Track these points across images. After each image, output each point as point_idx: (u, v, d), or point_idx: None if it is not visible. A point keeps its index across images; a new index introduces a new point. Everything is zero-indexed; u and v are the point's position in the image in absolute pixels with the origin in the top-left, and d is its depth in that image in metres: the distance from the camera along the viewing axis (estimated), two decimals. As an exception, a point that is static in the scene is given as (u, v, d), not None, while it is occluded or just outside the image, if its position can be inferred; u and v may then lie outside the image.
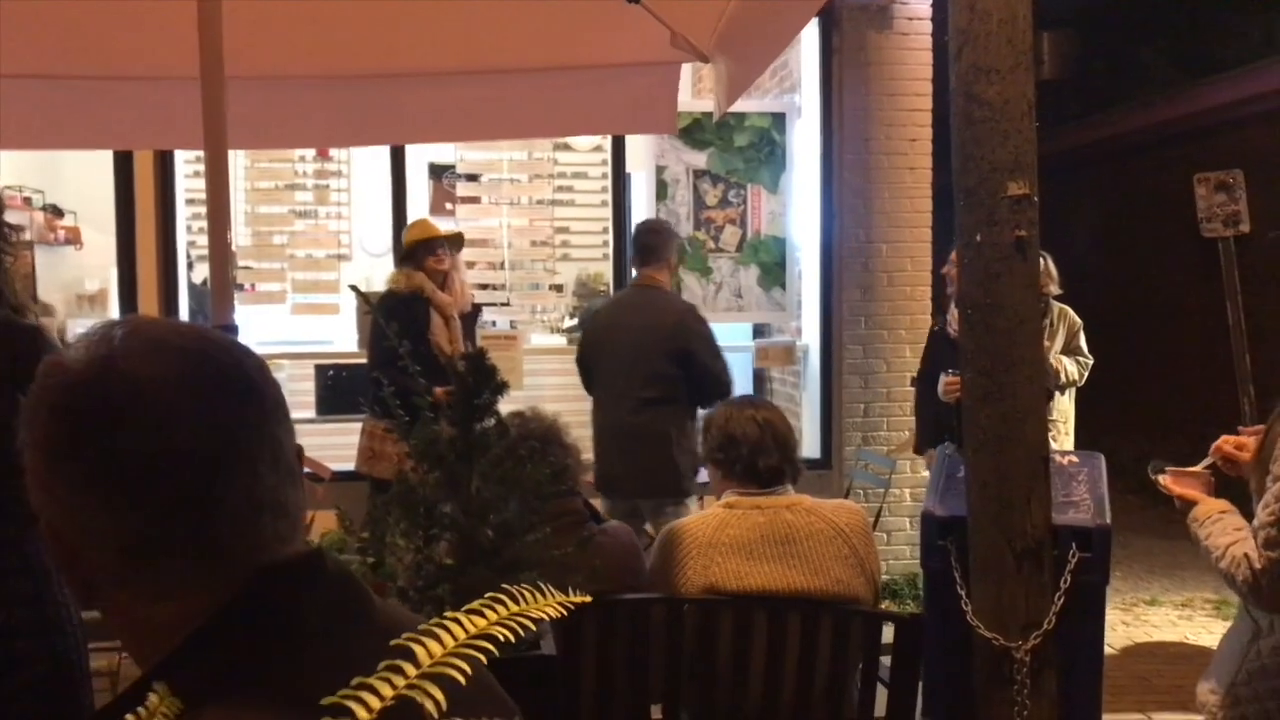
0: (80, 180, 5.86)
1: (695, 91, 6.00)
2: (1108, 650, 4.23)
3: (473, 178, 5.99)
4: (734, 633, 2.43)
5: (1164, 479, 2.31)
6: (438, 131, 3.85)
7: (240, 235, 5.96)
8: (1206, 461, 2.31)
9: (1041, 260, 3.22)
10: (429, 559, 1.83)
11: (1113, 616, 5.23)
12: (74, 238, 6.38)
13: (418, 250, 4.68)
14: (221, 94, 1.74)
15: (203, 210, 5.88)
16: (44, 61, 2.64)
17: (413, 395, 1.87)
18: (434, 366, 4.24)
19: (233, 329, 1.83)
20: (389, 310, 4.42)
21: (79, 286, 6.50)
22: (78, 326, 6.33)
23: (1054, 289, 4.64)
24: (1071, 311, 4.98)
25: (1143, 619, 5.33)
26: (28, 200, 6.09)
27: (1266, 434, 2.04)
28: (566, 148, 6.07)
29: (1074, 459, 3.12)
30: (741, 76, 2.70)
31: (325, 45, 2.85)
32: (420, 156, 6.19)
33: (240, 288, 5.93)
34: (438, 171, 6.49)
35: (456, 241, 4.82)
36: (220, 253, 1.79)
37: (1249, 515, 2.12)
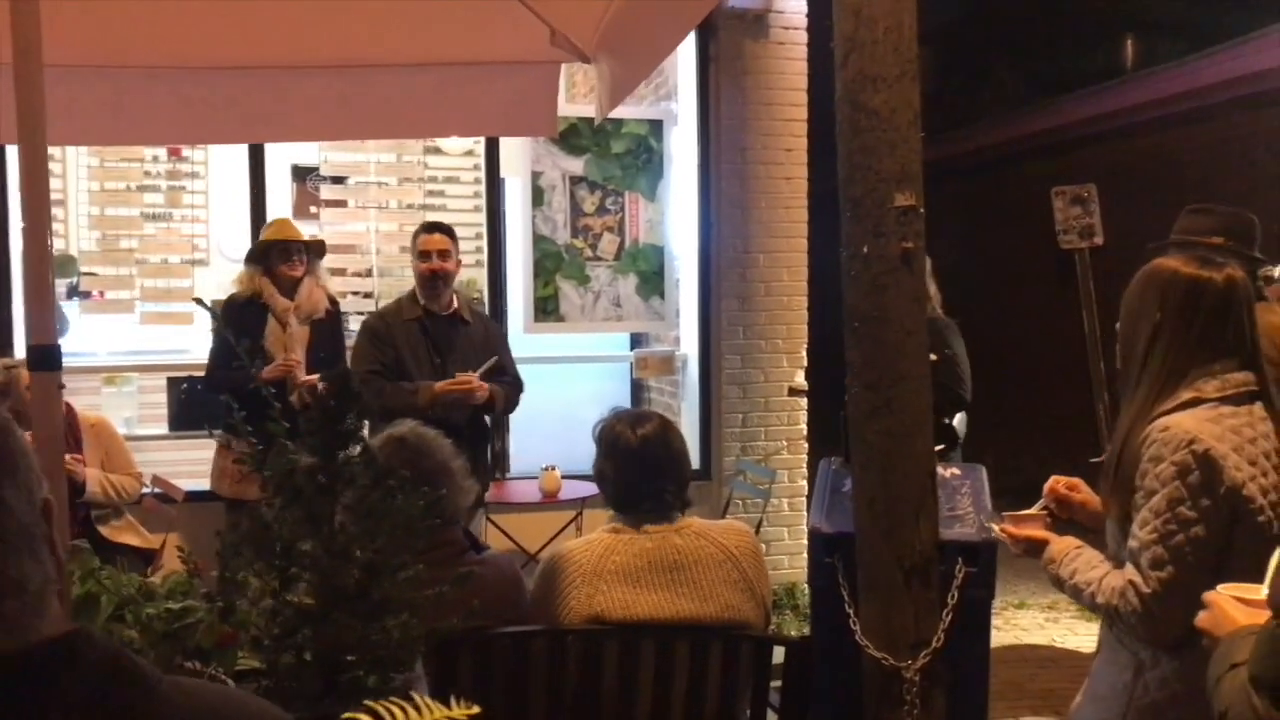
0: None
1: (570, 96, 5.87)
2: (983, 657, 4.28)
3: (339, 180, 5.73)
4: (620, 663, 2.31)
5: (1001, 527, 2.23)
6: (299, 130, 3.60)
7: (85, 239, 5.57)
8: (1040, 504, 2.23)
9: None
10: (286, 603, 1.65)
11: (984, 621, 5.31)
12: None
13: (271, 252, 4.44)
14: (38, 79, 1.51)
15: (44, 211, 5.58)
16: None
17: (258, 415, 1.69)
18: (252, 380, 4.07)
19: (54, 349, 1.61)
20: (224, 315, 4.21)
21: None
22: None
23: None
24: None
25: (1012, 623, 5.44)
26: None
27: (1121, 455, 1.95)
28: (437, 151, 5.87)
29: (956, 471, 3.12)
30: (625, 78, 2.59)
31: (173, 33, 2.61)
32: (282, 157, 5.89)
33: (86, 295, 5.54)
34: (301, 173, 6.18)
35: (317, 248, 4.59)
36: (39, 261, 1.56)
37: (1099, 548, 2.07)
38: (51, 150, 5.25)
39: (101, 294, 5.57)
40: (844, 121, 2.58)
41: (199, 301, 1.75)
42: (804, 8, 5.62)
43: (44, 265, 1.57)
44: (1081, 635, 5.19)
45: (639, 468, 2.39)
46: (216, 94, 2.85)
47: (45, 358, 1.58)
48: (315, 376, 4.17)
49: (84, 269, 5.54)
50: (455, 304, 4.32)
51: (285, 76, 2.87)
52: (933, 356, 2.65)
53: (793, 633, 4.74)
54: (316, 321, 4.48)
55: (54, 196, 5.53)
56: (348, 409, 1.73)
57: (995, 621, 5.47)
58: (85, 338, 5.62)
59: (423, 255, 4.23)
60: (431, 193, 5.87)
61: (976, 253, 9.33)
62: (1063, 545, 2.07)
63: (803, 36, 5.65)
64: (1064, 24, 10.99)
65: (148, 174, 5.53)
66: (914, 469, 2.56)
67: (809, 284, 5.78)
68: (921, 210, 2.56)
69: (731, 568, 2.36)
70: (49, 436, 1.59)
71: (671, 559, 2.33)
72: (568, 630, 2.31)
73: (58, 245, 5.59)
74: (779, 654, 2.46)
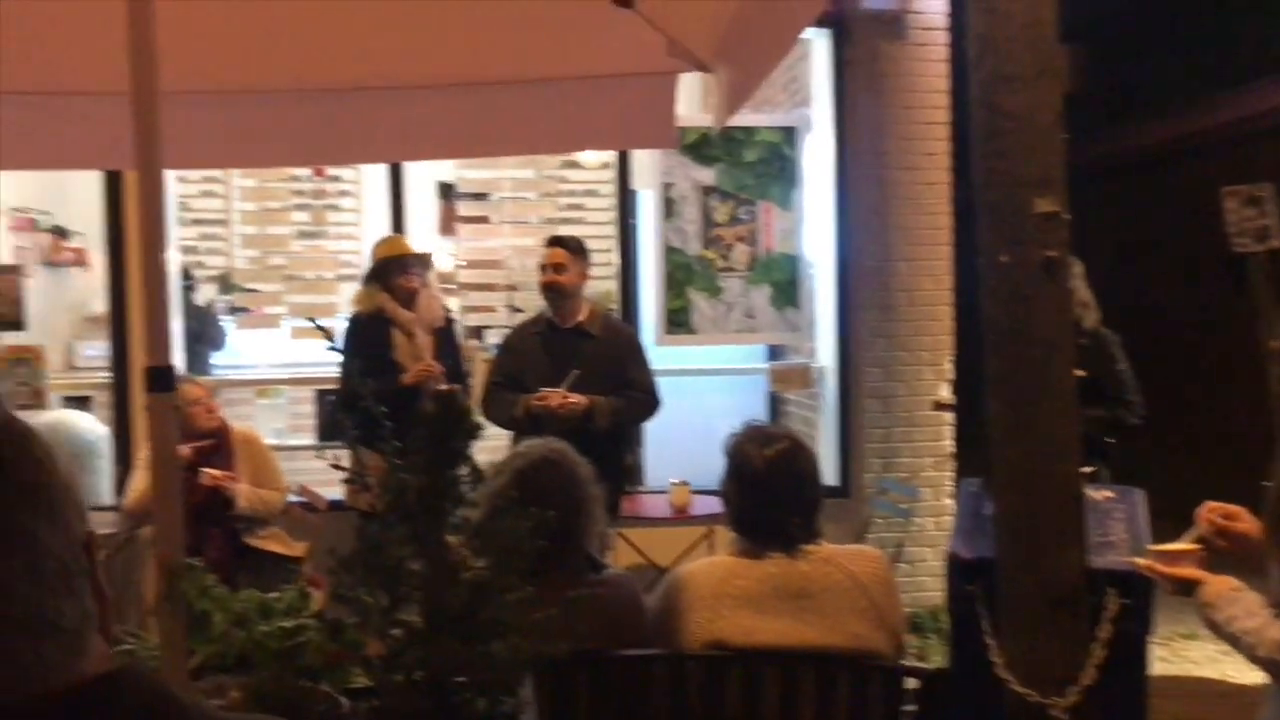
0: (87, 201, 5.73)
1: (705, 106, 5.83)
2: (1144, 691, 3.99)
3: (479, 196, 5.84)
4: (743, 691, 2.22)
5: (1147, 564, 1.99)
6: (417, 149, 3.70)
7: (240, 258, 5.84)
8: (1193, 534, 1.98)
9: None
10: (397, 623, 1.64)
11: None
12: (81, 259, 6.28)
13: (389, 268, 4.60)
14: (154, 106, 1.56)
15: (209, 230, 5.88)
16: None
17: (376, 440, 1.68)
18: (398, 388, 4.26)
19: (168, 371, 1.65)
20: (350, 333, 4.50)
21: (85, 309, 6.38)
22: (87, 349, 6.23)
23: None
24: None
25: (1181, 654, 5.08)
26: (33, 221, 6.00)
27: None
28: (575, 165, 5.90)
29: (1110, 494, 2.91)
30: (741, 86, 2.51)
31: (292, 58, 2.68)
32: (427, 176, 6.04)
33: (244, 311, 5.81)
34: (446, 190, 6.33)
35: (426, 260, 4.76)
36: (154, 283, 1.61)
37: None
38: (214, 173, 5.59)
39: (260, 309, 5.83)
40: (979, 124, 2.44)
41: (310, 320, 1.77)
42: (944, 7, 5.42)
43: (158, 287, 1.62)
44: (1259, 672, 4.79)
45: (762, 494, 2.30)
46: (339, 116, 2.92)
47: (161, 379, 1.62)
48: (454, 387, 4.26)
49: (244, 286, 5.82)
50: (581, 317, 4.32)
51: (403, 98, 2.90)
52: (1080, 372, 2.47)
53: (937, 659, 4.54)
54: (438, 330, 4.64)
55: (217, 216, 5.84)
56: (457, 427, 1.72)
57: (1162, 653, 5.11)
58: (241, 352, 5.90)
59: (541, 269, 4.38)
60: (571, 206, 5.90)
61: (1137, 257, 8.82)
62: (1219, 586, 1.86)
63: (943, 37, 5.44)
64: (1227, 16, 10.29)
65: (299, 193, 5.75)
66: (1058, 492, 2.40)
67: (955, 293, 5.54)
68: (1066, 216, 2.40)
69: (860, 595, 2.24)
70: (164, 457, 1.63)
71: (797, 586, 2.23)
72: (688, 655, 2.24)
73: (221, 263, 5.91)
74: (912, 683, 2.33)
